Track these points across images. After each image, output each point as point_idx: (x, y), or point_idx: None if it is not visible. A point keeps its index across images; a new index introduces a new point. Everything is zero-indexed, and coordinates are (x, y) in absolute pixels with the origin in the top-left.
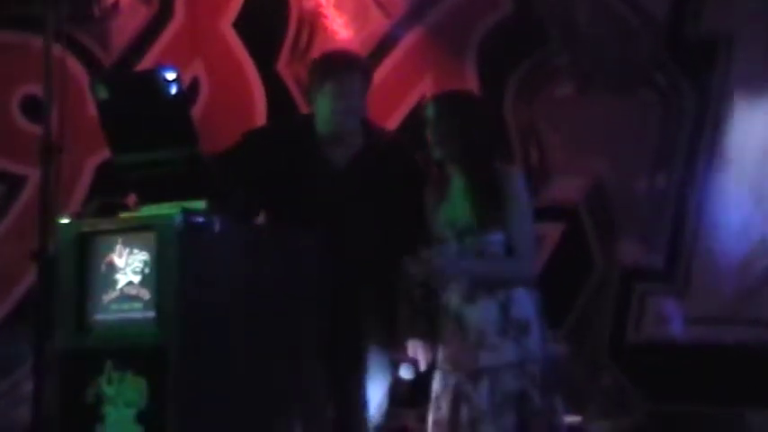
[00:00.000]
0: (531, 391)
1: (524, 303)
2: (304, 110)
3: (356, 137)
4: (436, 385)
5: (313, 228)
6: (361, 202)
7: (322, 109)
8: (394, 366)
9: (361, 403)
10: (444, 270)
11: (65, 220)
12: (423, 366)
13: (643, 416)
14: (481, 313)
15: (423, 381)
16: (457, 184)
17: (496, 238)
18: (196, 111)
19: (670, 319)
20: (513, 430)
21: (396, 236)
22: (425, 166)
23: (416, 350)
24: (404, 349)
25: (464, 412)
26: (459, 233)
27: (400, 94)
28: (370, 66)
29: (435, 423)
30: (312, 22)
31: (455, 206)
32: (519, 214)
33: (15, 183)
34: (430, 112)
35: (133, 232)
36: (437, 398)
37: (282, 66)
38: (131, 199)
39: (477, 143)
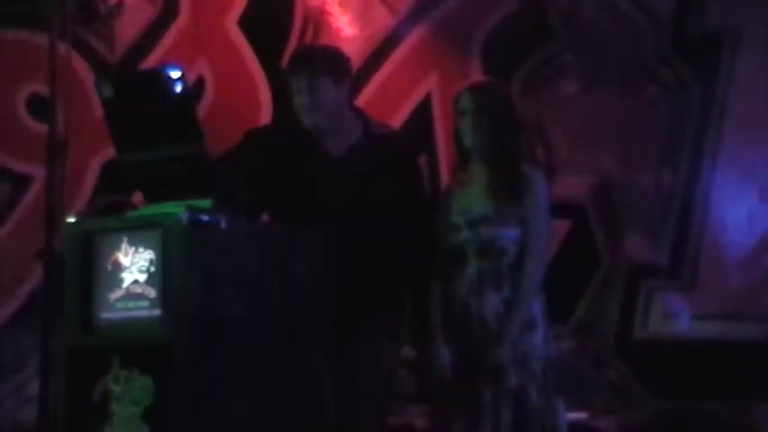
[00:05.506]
0: (529, 388)
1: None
2: None
3: (354, 128)
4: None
5: (312, 218)
6: (358, 192)
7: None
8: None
9: (365, 397)
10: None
11: (70, 219)
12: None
13: (649, 412)
14: (486, 307)
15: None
16: (479, 175)
17: (512, 233)
18: (201, 109)
19: (676, 314)
20: (510, 427)
21: (392, 230)
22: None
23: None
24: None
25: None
26: (472, 222)
27: (405, 91)
28: (338, 59)
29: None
30: (317, 20)
31: (472, 196)
32: (538, 218)
33: (21, 182)
34: (465, 102)
35: (139, 231)
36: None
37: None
38: (137, 197)
39: (509, 140)
